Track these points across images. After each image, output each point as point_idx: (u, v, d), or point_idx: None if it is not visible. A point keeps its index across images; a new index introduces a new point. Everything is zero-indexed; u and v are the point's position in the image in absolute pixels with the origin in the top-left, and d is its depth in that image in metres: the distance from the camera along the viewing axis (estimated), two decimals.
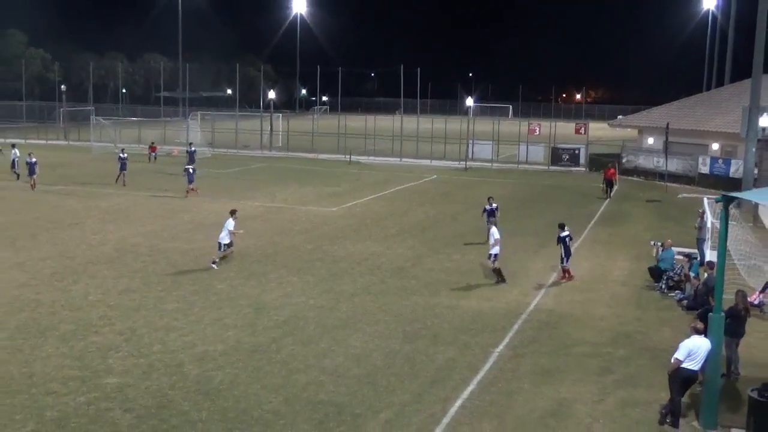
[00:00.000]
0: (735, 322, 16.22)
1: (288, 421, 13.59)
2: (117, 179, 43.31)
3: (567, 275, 24.04)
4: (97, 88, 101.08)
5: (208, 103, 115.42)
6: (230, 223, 24.93)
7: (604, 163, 53.00)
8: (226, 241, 24.85)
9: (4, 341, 17.20)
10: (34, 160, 41.78)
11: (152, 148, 58.69)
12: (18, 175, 44.22)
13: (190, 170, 40.68)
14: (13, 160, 45.33)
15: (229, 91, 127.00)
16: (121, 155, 44.30)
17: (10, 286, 21.70)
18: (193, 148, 51.31)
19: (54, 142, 71.90)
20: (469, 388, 15.28)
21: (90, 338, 17.57)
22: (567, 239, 23.79)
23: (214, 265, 24.40)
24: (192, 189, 39.87)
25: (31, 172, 41.29)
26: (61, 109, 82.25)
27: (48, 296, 20.86)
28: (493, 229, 24.49)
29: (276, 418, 13.67)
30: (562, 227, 23.80)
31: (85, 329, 18.17)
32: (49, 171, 45.77)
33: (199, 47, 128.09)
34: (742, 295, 16.89)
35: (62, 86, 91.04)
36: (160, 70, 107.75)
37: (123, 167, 43.76)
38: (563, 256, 23.85)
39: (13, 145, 47.58)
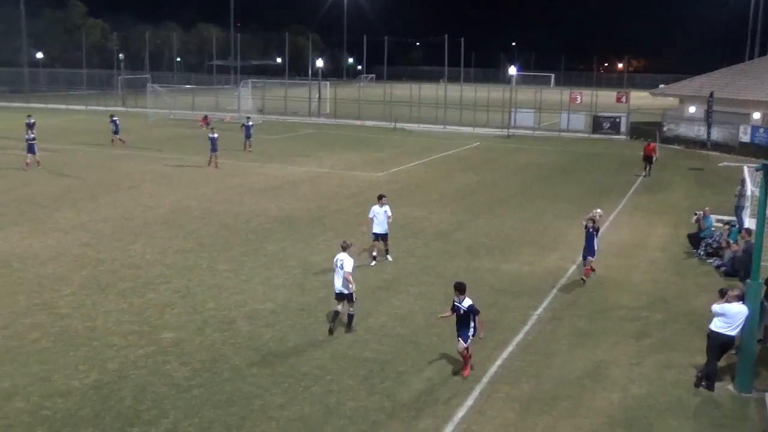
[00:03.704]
0: None
1: (334, 376, 14.22)
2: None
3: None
4: (153, 56, 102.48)
5: (259, 71, 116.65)
6: (379, 210, 21.67)
7: (645, 131, 52.54)
8: (383, 230, 21.80)
9: (69, 297, 18.20)
10: (32, 136, 37.35)
11: (204, 120, 56.92)
12: None
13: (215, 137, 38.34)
14: None
15: (279, 60, 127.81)
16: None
17: (74, 245, 22.79)
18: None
19: (113, 108, 73.39)
20: (509, 349, 15.76)
21: (148, 295, 18.46)
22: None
23: (377, 261, 21.85)
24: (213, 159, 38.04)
25: (31, 150, 36.81)
26: (119, 77, 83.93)
27: (108, 255, 21.85)
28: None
29: (323, 373, 14.31)
30: (459, 290, 14.74)
31: (143, 286, 19.08)
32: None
33: (250, 17, 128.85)
34: None
35: (120, 55, 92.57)
36: (213, 40, 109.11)
37: (248, 134, 42.56)
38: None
39: None
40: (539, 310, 18.19)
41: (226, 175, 36.15)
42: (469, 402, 13.37)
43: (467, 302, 14.54)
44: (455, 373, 14.49)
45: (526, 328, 17.04)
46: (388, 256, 22.08)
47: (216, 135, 38.72)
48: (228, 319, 16.98)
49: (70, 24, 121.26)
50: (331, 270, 20.70)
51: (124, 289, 18.84)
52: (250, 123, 46.27)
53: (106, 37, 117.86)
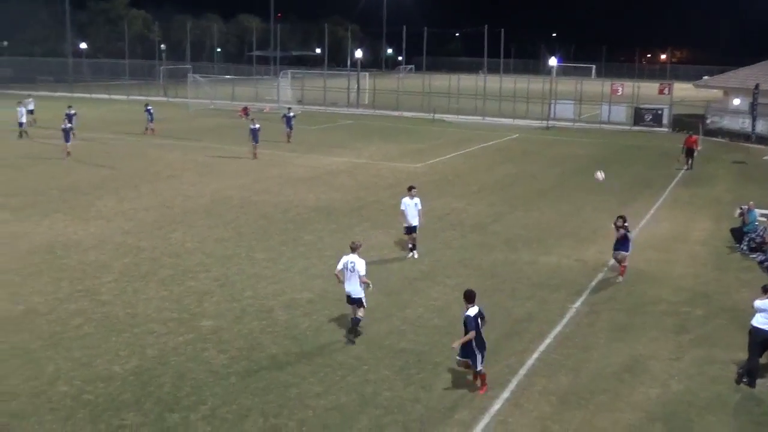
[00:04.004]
0: None
1: (371, 366, 14.28)
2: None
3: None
4: (193, 47, 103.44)
5: (298, 61, 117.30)
6: (410, 202, 21.24)
7: (688, 123, 51.57)
8: (415, 223, 21.33)
9: (111, 284, 18.51)
10: (69, 125, 37.55)
11: (244, 110, 57.78)
12: (21, 134, 43.63)
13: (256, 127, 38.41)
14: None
15: (318, 51, 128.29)
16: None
17: (116, 233, 23.16)
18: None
19: (155, 98, 74.26)
20: (546, 342, 15.67)
21: (187, 283, 18.70)
22: None
23: (411, 254, 21.45)
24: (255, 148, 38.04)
25: (66, 138, 36.94)
26: (161, 68, 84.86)
27: (149, 243, 22.17)
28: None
29: (359, 363, 14.38)
30: (466, 299, 13.57)
31: (183, 275, 19.33)
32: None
33: (290, 8, 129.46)
34: None
35: (162, 45, 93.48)
36: (253, 30, 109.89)
37: (289, 125, 43.89)
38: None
39: (19, 102, 46.15)
40: (577, 303, 18.05)
41: (265, 165, 36.39)
42: (506, 395, 13.34)
43: (470, 312, 13.31)
44: (492, 364, 14.45)
45: (564, 321, 16.92)
46: (415, 253, 21.37)
47: (257, 126, 38.75)
48: (266, 308, 17.13)
49: (113, 14, 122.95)
50: (370, 257, 20.86)
51: (164, 277, 19.10)
52: (292, 114, 46.10)
53: (148, 28, 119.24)
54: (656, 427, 12.47)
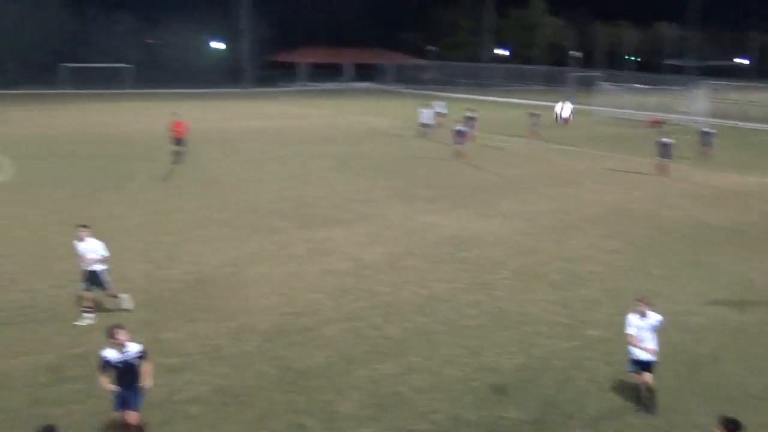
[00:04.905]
0: None
1: None
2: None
3: None
4: (606, 54, 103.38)
5: (717, 72, 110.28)
6: None
7: None
8: None
9: (505, 281, 19.33)
10: (464, 128, 39.09)
11: (655, 122, 56.41)
12: (421, 134, 46.71)
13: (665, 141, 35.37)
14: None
15: (743, 61, 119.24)
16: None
17: (514, 233, 24.10)
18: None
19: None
20: None
21: (578, 290, 18.74)
22: None
23: None
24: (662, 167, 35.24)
25: (458, 140, 38.40)
26: (571, 75, 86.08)
27: (544, 246, 22.68)
28: None
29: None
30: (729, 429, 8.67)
31: (574, 281, 19.42)
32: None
33: (710, 15, 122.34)
34: None
35: (574, 53, 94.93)
36: (668, 39, 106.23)
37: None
38: None
39: (427, 105, 50.04)
40: None
41: (671, 179, 34.86)
42: None
43: None
44: None
45: None
46: None
47: (670, 140, 35.93)
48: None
49: (529, 21, 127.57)
50: None
51: (555, 281, 19.40)
52: (709, 130, 42.59)
53: (561, 35, 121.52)
54: None
